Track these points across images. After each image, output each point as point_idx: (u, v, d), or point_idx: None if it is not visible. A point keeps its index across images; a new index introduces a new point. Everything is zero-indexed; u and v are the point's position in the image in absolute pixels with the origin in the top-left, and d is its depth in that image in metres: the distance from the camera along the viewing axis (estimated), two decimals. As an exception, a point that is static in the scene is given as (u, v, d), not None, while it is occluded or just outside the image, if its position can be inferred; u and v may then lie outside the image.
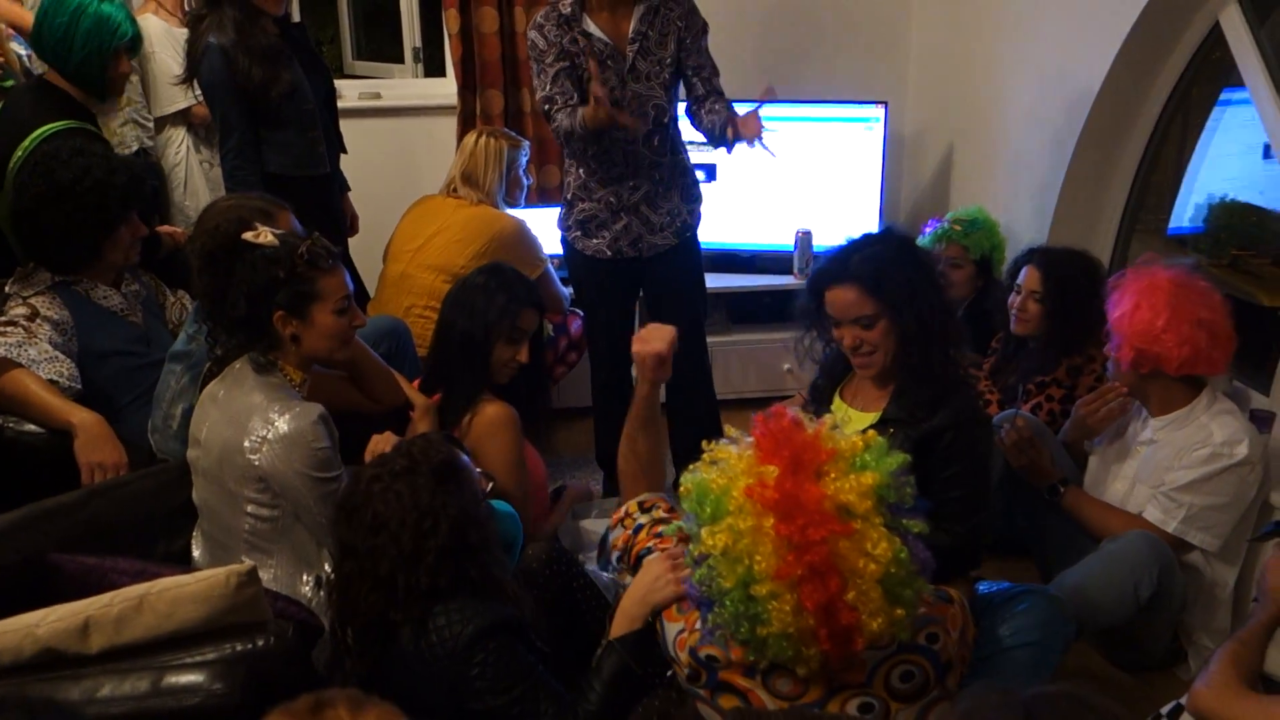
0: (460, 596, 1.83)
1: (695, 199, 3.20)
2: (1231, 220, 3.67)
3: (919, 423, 2.24)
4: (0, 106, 2.95)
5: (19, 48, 3.15)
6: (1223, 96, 3.39)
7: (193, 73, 3.15)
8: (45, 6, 2.95)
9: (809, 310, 2.39)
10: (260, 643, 1.79)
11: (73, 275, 2.67)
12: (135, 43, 3.08)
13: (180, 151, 3.80)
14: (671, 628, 1.81)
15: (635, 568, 1.96)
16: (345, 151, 3.48)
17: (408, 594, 1.81)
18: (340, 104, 3.58)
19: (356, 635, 1.86)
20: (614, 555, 2.04)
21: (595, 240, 3.10)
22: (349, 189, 3.63)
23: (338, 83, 3.77)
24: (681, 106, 3.14)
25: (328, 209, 3.36)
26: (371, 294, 3.60)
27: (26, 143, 2.79)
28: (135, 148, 3.57)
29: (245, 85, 3.06)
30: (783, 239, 4.05)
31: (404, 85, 4.58)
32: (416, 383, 2.74)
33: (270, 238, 2.16)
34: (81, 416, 2.44)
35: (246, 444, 2.09)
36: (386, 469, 1.86)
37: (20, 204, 2.63)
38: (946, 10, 4.21)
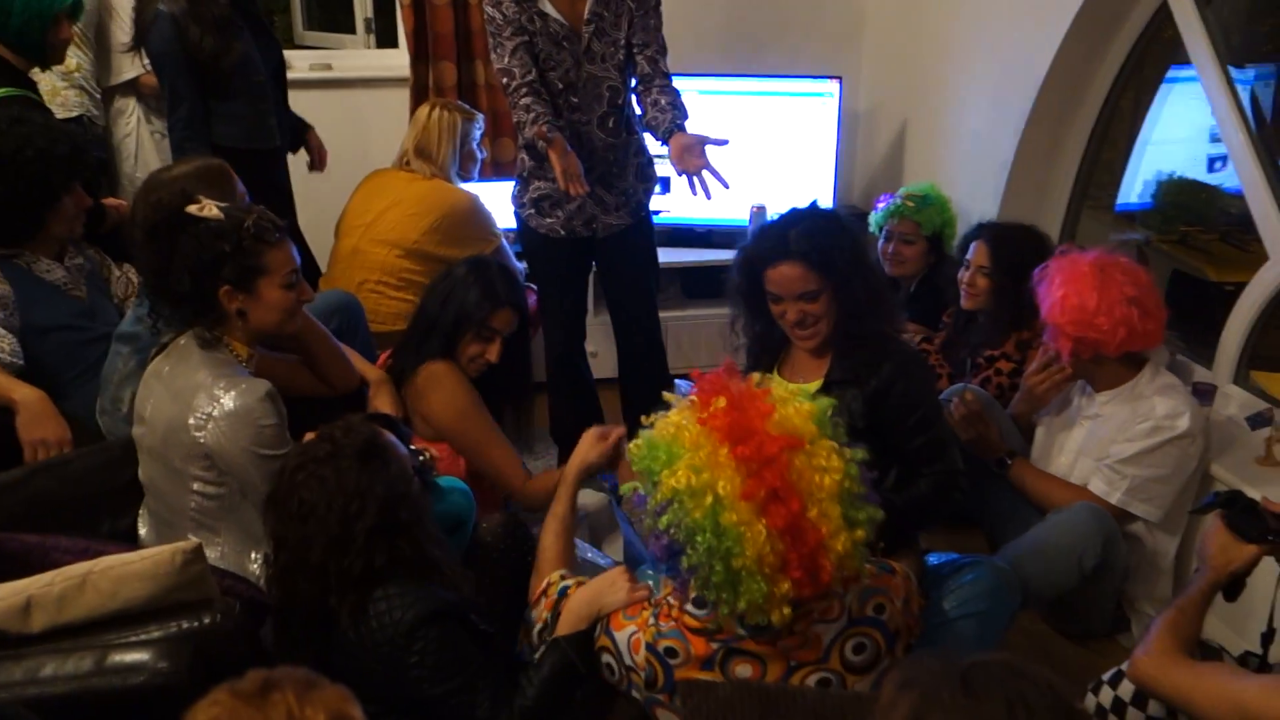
0: (399, 580, 1.81)
1: (649, 179, 3.20)
2: (1180, 197, 3.72)
3: (865, 381, 2.27)
4: (-64, 76, 2.87)
5: None
6: (1171, 74, 3.43)
7: (141, 41, 3.10)
8: (-16, -29, 2.88)
9: (741, 289, 2.39)
10: (206, 620, 1.79)
11: (14, 249, 2.62)
12: (76, 8, 3.01)
13: (130, 122, 3.73)
14: (623, 635, 1.82)
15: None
16: (308, 126, 3.43)
17: (341, 579, 1.79)
18: (290, 75, 3.53)
19: (298, 624, 1.85)
20: (536, 630, 1.99)
21: (549, 219, 3.09)
22: (310, 126, 3.59)
23: (288, 53, 3.71)
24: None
25: (275, 183, 3.33)
26: (323, 269, 3.57)
27: (-35, 112, 2.72)
28: (78, 113, 3.50)
29: (195, 55, 3.01)
30: (737, 214, 4.05)
31: (355, 56, 4.52)
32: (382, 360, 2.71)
33: (215, 211, 2.12)
34: (23, 393, 2.39)
35: (192, 421, 2.06)
36: (309, 456, 1.83)
37: (-44, 176, 2.57)
38: (901, -15, 4.22)
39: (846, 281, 2.27)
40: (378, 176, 3.55)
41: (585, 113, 2.94)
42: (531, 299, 3.67)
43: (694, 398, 1.70)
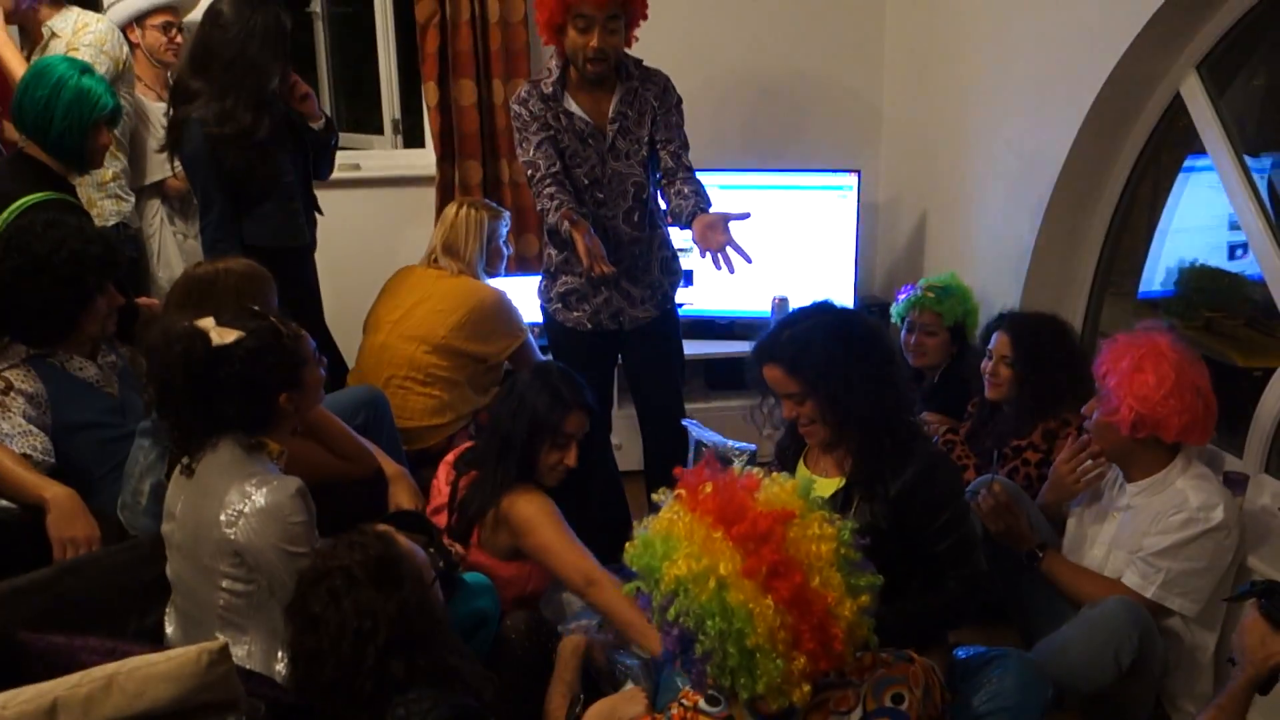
0: (417, 687, 1.80)
1: (674, 272, 3.24)
2: (1203, 283, 3.72)
3: (888, 484, 2.25)
4: (-23, 181, 2.96)
5: None
6: (1188, 162, 3.46)
7: (173, 146, 3.18)
8: (26, 80, 2.97)
9: (756, 380, 2.41)
10: (232, 722, 1.76)
11: (48, 348, 2.66)
12: (115, 115, 3.10)
13: (154, 223, 3.81)
14: None
15: None
16: (320, 212, 3.49)
17: (355, 695, 1.78)
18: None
19: None
20: None
21: (576, 313, 3.13)
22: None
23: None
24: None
25: (304, 280, 3.37)
26: (349, 365, 3.60)
27: (6, 215, 2.79)
28: (114, 221, 3.58)
29: (225, 164, 3.08)
30: (759, 305, 4.08)
31: (383, 156, 4.62)
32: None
33: (234, 332, 2.11)
34: (54, 491, 2.41)
35: (223, 517, 2.06)
36: (324, 568, 1.84)
37: (-5, 278, 2.63)
38: (917, 81, 4.30)
39: (832, 391, 2.24)
40: (406, 273, 3.61)
41: (611, 208, 2.99)
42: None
43: (680, 492, 1.72)
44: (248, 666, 2.05)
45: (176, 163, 3.26)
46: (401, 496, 2.70)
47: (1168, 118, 3.28)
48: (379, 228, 4.33)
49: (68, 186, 3.04)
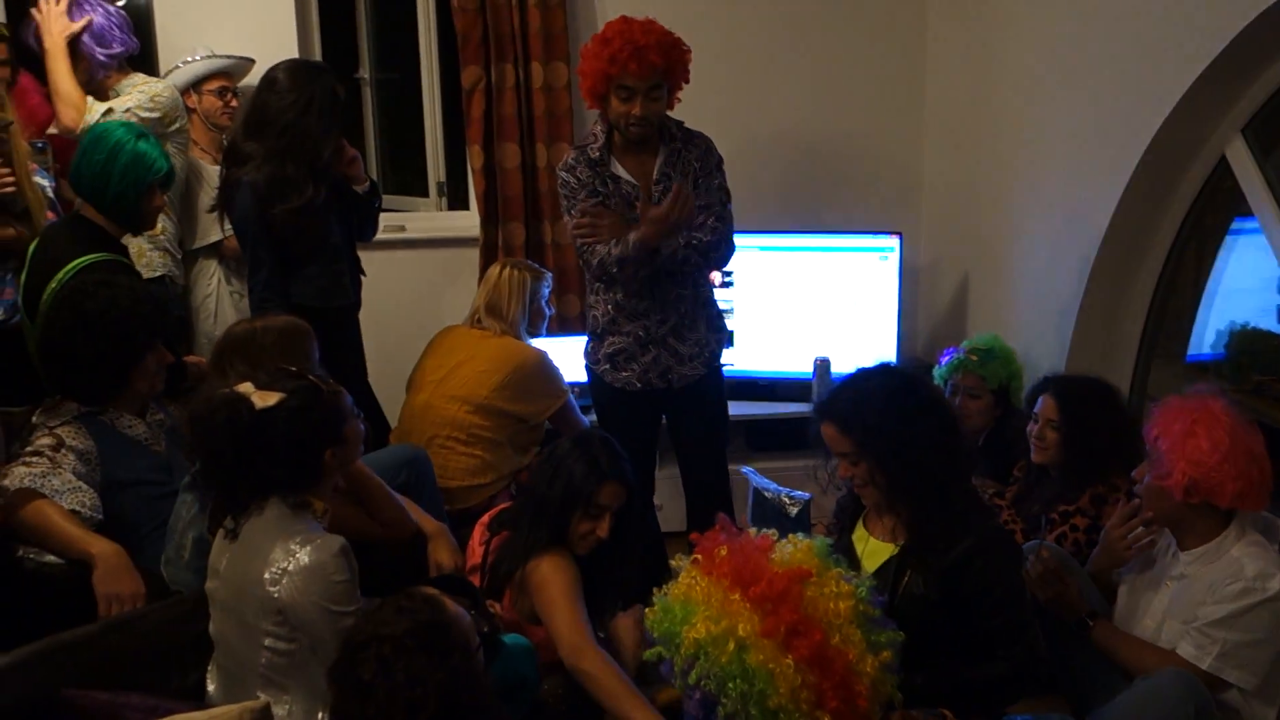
0: None
1: (720, 329, 3.26)
2: (1253, 346, 3.67)
3: (939, 555, 2.21)
4: (36, 244, 3.03)
5: (41, 180, 3.25)
6: (1235, 224, 3.43)
7: (224, 207, 3.24)
8: (84, 144, 3.05)
9: (818, 438, 2.40)
10: (271, 783, 1.76)
11: (99, 405, 2.70)
12: (168, 178, 3.17)
13: (212, 283, 3.87)
14: None
15: None
16: (364, 274, 3.54)
17: None
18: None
19: None
20: None
21: (625, 373, 3.14)
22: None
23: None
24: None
25: (348, 339, 3.40)
26: (392, 424, 3.62)
27: (61, 275, 2.85)
28: (160, 273, 3.64)
29: (274, 226, 3.14)
30: (801, 366, 4.07)
31: (428, 218, 4.68)
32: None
33: (276, 395, 2.13)
34: (101, 547, 2.43)
35: (267, 575, 2.07)
36: (371, 633, 1.82)
37: (49, 337, 2.67)
38: (958, 144, 4.31)
39: (884, 453, 2.22)
40: (449, 333, 3.64)
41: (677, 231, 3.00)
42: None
43: (697, 556, 1.72)
44: (288, 727, 2.05)
45: (228, 223, 3.33)
46: (441, 554, 2.70)
47: (1213, 180, 3.26)
48: (423, 288, 4.38)
49: (120, 247, 3.11)
